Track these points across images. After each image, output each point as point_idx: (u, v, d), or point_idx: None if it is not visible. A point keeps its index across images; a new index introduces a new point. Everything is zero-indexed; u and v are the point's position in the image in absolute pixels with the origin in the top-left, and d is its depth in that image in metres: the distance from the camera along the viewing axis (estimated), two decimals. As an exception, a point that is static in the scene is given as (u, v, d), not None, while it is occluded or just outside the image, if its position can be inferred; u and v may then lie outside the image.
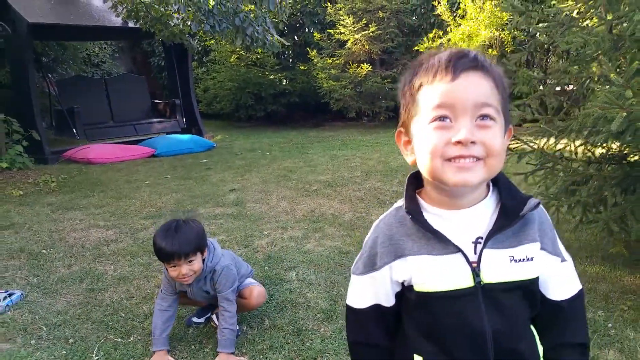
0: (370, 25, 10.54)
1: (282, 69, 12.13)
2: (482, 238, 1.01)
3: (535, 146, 3.20)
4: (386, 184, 5.84)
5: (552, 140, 3.17)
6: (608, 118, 2.30)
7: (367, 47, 10.68)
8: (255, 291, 2.66)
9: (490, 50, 9.33)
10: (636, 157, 3.19)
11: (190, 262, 2.39)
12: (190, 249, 2.38)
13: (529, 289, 1.04)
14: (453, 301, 1.01)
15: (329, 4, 11.29)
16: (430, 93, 0.96)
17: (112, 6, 8.68)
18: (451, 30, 9.78)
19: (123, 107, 11.10)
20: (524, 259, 1.02)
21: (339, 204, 5.09)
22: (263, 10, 7.91)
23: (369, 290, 1.10)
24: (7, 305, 3.00)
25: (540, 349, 1.11)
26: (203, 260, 2.46)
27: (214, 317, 2.71)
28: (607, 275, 3.14)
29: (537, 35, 3.10)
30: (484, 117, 0.93)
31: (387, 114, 11.13)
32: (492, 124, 0.94)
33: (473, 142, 0.92)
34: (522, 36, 8.27)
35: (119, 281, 3.38)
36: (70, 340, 2.64)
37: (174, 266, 2.38)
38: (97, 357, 2.46)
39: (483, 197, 1.03)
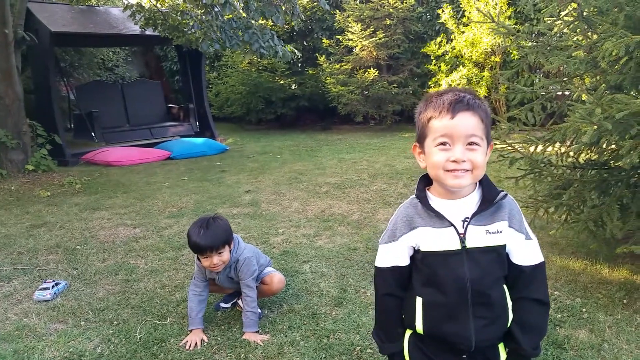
0: (377, 32, 10.91)
1: (291, 73, 12.50)
2: (468, 218, 1.49)
3: (526, 152, 3.57)
4: (392, 186, 6.21)
5: (539, 147, 3.53)
6: (582, 131, 2.66)
7: (375, 53, 11.04)
8: (276, 278, 3.06)
9: (492, 57, 9.67)
10: (619, 163, 3.54)
11: (220, 253, 2.79)
12: (220, 243, 2.78)
13: (499, 252, 1.51)
14: (445, 257, 1.49)
15: (337, 11, 11.66)
16: (437, 125, 1.43)
17: (130, 15, 9.10)
18: (455, 38, 10.12)
19: (139, 111, 11.54)
20: (495, 232, 1.50)
21: (348, 205, 5.46)
22: (270, 25, 8.30)
23: (391, 254, 1.58)
24: (56, 293, 3.40)
25: (510, 303, 1.56)
26: (230, 251, 2.86)
27: (239, 302, 3.10)
28: (588, 269, 3.50)
29: (527, 56, 3.44)
30: (471, 143, 1.41)
31: (394, 118, 11.48)
32: (477, 148, 1.42)
33: (463, 161, 1.41)
34: (525, 44, 8.61)
35: (151, 273, 3.77)
36: (115, 322, 3.03)
37: (207, 257, 2.78)
38: (139, 335, 2.85)
39: (471, 191, 1.51)
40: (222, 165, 8.30)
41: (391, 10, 11.01)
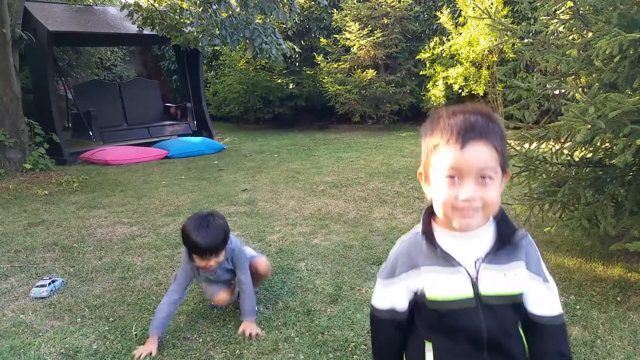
0: (375, 32, 10.92)
1: (289, 73, 12.51)
2: (481, 257, 1.28)
3: (521, 150, 3.59)
4: (388, 185, 6.22)
5: (534, 145, 3.54)
6: (575, 130, 2.68)
7: (372, 53, 11.05)
8: (260, 263, 3.09)
9: (490, 56, 9.70)
10: (613, 161, 3.56)
11: (218, 255, 2.78)
12: (220, 245, 2.76)
13: (516, 299, 1.31)
14: (457, 306, 1.28)
15: (335, 10, 11.67)
16: (444, 155, 1.22)
17: (128, 14, 9.11)
18: (452, 38, 10.14)
19: (137, 110, 11.54)
20: (512, 275, 1.30)
21: (344, 203, 5.47)
22: (271, 19, 8.29)
23: (389, 293, 1.38)
24: (52, 290, 3.41)
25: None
26: (225, 250, 2.86)
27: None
28: (583, 266, 3.52)
29: (523, 53, 3.46)
30: (484, 177, 1.20)
31: (391, 118, 11.50)
32: (490, 182, 1.21)
33: (474, 199, 1.20)
34: (520, 44, 8.63)
35: (147, 271, 3.78)
36: (111, 319, 3.04)
37: (204, 258, 2.77)
38: (135, 332, 2.86)
39: (484, 224, 1.29)
40: (220, 164, 8.31)
41: (388, 9, 11.02)
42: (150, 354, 2.63)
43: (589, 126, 2.58)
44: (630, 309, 2.92)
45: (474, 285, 1.28)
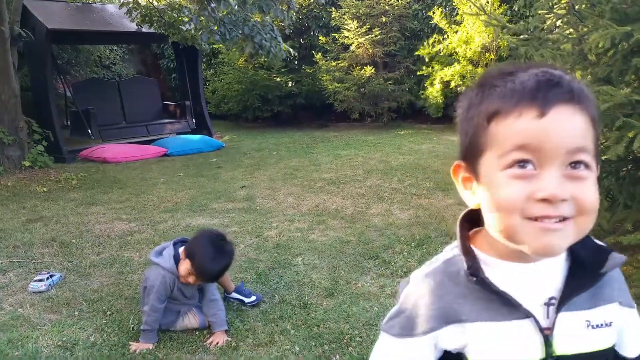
0: (373, 29, 10.94)
1: (288, 71, 12.52)
2: (555, 298, 0.81)
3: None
4: (386, 182, 6.24)
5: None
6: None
7: (371, 50, 11.07)
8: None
9: (487, 54, 9.72)
10: (606, 156, 3.58)
11: None
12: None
13: (605, 357, 0.86)
14: None
15: (333, 8, 11.69)
16: (509, 127, 0.74)
17: (127, 12, 9.12)
18: (448, 37, 10.16)
19: (135, 108, 11.56)
20: (602, 325, 0.84)
21: (342, 200, 5.50)
22: (270, 17, 8.30)
23: (403, 356, 0.85)
24: (50, 284, 3.43)
25: None
26: None
27: (230, 297, 3.12)
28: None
29: (517, 48, 3.48)
30: (577, 164, 0.73)
31: (390, 115, 11.52)
32: (587, 174, 0.73)
33: (563, 199, 0.71)
34: (515, 40, 8.68)
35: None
36: (108, 313, 3.06)
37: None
38: (132, 325, 2.89)
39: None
40: (218, 162, 8.33)
41: (387, 7, 11.03)
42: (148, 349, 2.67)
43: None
44: (623, 301, 2.94)
45: (547, 341, 0.81)
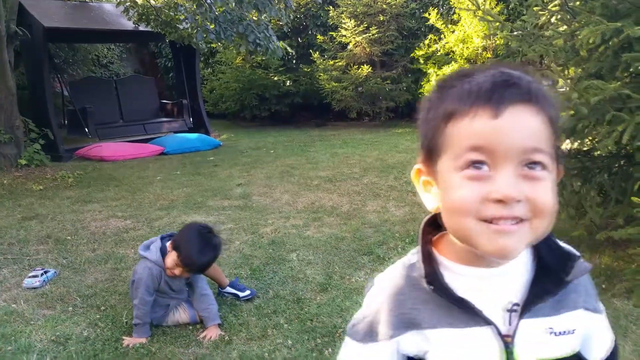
0: (371, 28, 10.94)
1: (285, 70, 12.52)
2: (517, 305, 0.79)
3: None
4: (382, 179, 6.25)
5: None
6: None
7: (368, 50, 11.07)
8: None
9: (484, 53, 9.73)
10: (597, 152, 3.60)
11: None
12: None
13: None
14: None
15: (331, 7, 11.69)
16: (464, 128, 0.72)
17: (124, 10, 9.13)
18: (445, 37, 10.18)
19: (133, 107, 11.56)
20: (565, 332, 0.82)
21: (338, 197, 5.51)
22: (264, 17, 8.32)
23: None
24: (44, 280, 3.44)
25: None
26: None
27: (225, 292, 3.13)
28: (571, 256, 3.56)
29: (509, 43, 3.49)
30: (533, 164, 0.71)
31: (388, 115, 11.52)
32: (544, 175, 0.72)
33: (517, 200, 0.70)
34: (509, 36, 8.72)
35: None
36: (102, 308, 3.07)
37: None
38: (126, 320, 2.90)
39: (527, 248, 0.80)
40: (215, 160, 8.33)
41: (384, 6, 11.04)
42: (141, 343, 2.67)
43: (572, 112, 2.62)
44: (614, 295, 2.96)
45: (508, 349, 0.79)
